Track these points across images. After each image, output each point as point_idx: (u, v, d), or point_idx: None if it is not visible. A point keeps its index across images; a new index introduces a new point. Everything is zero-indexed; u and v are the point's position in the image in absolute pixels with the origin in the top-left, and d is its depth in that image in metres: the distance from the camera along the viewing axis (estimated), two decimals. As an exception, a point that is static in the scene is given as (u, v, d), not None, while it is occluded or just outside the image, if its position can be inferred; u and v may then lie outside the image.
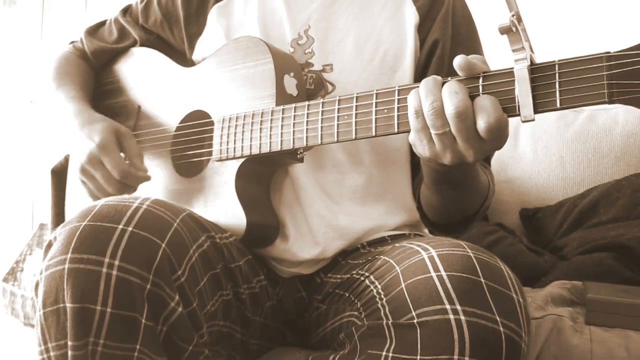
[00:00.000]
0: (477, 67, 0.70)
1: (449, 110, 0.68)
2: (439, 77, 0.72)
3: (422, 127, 0.71)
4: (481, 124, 0.67)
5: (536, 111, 0.66)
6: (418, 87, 0.72)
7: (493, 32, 0.68)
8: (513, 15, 0.66)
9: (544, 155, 1.55)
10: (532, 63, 0.67)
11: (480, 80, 0.70)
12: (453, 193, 0.88)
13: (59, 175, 1.29)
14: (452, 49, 0.98)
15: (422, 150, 0.73)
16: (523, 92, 0.66)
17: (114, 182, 0.97)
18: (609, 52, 0.63)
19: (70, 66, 1.18)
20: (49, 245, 0.71)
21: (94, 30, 1.20)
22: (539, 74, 0.66)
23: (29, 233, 2.03)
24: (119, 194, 0.98)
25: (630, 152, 1.47)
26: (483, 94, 0.69)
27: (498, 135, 0.68)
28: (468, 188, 0.87)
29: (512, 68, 0.67)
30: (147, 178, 0.99)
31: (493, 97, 0.68)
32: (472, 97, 0.69)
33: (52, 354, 0.68)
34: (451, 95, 0.68)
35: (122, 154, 0.99)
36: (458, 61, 0.70)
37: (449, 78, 0.71)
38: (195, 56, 1.08)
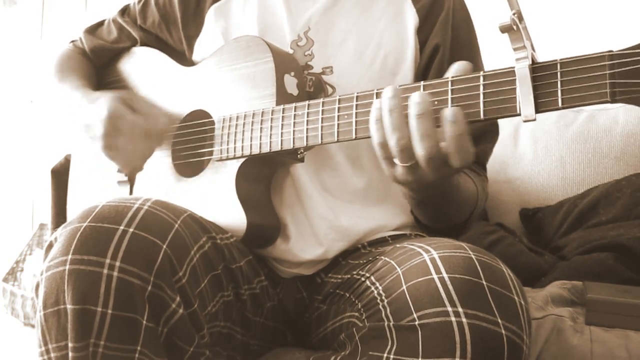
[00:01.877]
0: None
1: (420, 153, 0.69)
2: (401, 104, 0.70)
3: (387, 157, 0.73)
4: (457, 163, 0.69)
5: (537, 111, 0.66)
6: (418, 86, 0.72)
7: (494, 30, 0.68)
8: (514, 14, 0.65)
9: (544, 155, 1.55)
10: (533, 62, 0.67)
11: (422, 89, 0.71)
12: (435, 209, 0.90)
13: (59, 175, 1.29)
14: (451, 52, 0.98)
15: (387, 172, 0.75)
16: (524, 92, 0.66)
17: (140, 141, 0.96)
18: (611, 51, 0.63)
19: (72, 61, 1.18)
20: (50, 246, 0.71)
21: (93, 30, 1.21)
22: (541, 73, 0.66)
23: (29, 233, 2.02)
24: (149, 153, 0.98)
25: (630, 152, 1.47)
26: (452, 106, 0.69)
27: (468, 165, 0.70)
28: (450, 203, 0.88)
29: (513, 67, 0.67)
30: (168, 123, 0.99)
31: (465, 133, 0.68)
32: (436, 112, 0.69)
33: (52, 355, 0.68)
34: (423, 138, 0.68)
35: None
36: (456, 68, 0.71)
37: (421, 83, 0.72)
38: (195, 57, 1.08)
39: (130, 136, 0.95)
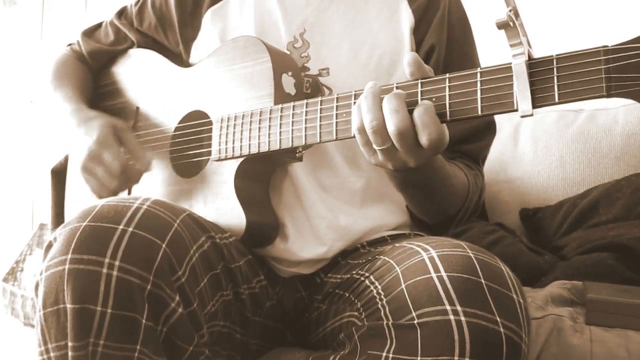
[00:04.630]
0: (425, 67, 0.73)
1: (391, 129, 0.70)
2: (377, 89, 0.74)
3: (366, 142, 0.75)
4: (424, 140, 0.70)
5: (534, 106, 0.66)
6: (415, 83, 0.73)
7: (491, 27, 0.68)
8: (510, 10, 0.66)
9: (544, 155, 1.55)
10: (529, 58, 0.67)
11: (419, 86, 0.73)
12: (422, 195, 0.90)
13: (59, 175, 1.29)
14: (447, 52, 0.99)
15: (369, 159, 0.77)
16: (521, 87, 0.66)
17: (116, 176, 0.96)
18: (606, 46, 0.63)
19: (67, 68, 1.18)
20: (49, 245, 0.71)
21: (90, 33, 1.21)
22: (537, 68, 0.66)
23: (29, 233, 2.02)
24: (120, 189, 0.98)
25: (630, 152, 1.47)
26: (422, 99, 0.71)
27: (439, 145, 0.71)
28: (437, 190, 0.88)
29: (510, 63, 0.68)
30: (148, 168, 0.99)
31: (431, 109, 0.70)
32: (411, 104, 0.71)
33: (52, 354, 0.68)
34: (392, 114, 0.70)
35: (121, 149, 0.98)
36: (408, 58, 0.72)
37: (395, 84, 0.74)
38: (192, 59, 1.08)
39: (108, 169, 0.96)
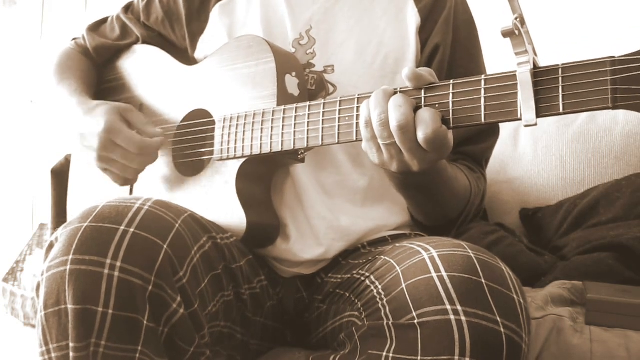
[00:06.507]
0: (425, 77, 0.73)
1: (392, 123, 0.71)
2: (390, 89, 0.75)
3: (371, 137, 0.75)
4: (420, 135, 0.70)
5: (538, 115, 0.66)
6: (420, 90, 0.73)
7: (496, 34, 0.68)
8: (516, 18, 0.65)
9: (544, 155, 1.55)
10: (535, 67, 0.66)
11: (423, 92, 0.73)
12: (423, 197, 0.90)
13: (59, 175, 1.29)
14: (452, 53, 0.99)
15: (373, 158, 0.77)
16: (525, 96, 0.66)
17: (135, 157, 0.96)
18: (613, 57, 0.63)
19: (71, 61, 1.18)
20: (51, 246, 0.71)
21: (96, 27, 1.21)
22: (542, 77, 0.66)
23: (29, 233, 2.03)
24: (142, 168, 0.98)
25: (630, 152, 1.47)
26: (425, 105, 0.72)
27: (438, 146, 0.71)
28: (438, 192, 0.88)
29: (515, 71, 0.67)
30: (163, 141, 0.99)
31: (433, 110, 0.71)
32: (418, 108, 0.72)
33: (53, 355, 0.68)
34: (395, 109, 0.71)
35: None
36: (406, 73, 0.73)
37: (399, 88, 0.74)
38: (198, 54, 1.08)
39: (125, 152, 0.95)
